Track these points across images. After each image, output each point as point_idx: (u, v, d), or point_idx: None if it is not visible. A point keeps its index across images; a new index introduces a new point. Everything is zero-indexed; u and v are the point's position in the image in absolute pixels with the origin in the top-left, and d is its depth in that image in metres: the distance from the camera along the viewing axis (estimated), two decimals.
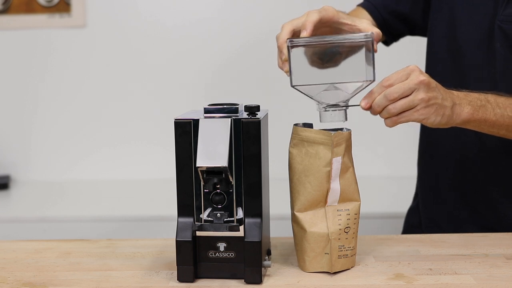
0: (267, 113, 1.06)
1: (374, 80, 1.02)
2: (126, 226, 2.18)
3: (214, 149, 0.95)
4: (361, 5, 1.46)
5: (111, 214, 2.22)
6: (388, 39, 1.49)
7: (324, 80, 1.02)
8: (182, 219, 1.00)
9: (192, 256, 0.99)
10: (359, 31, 1.09)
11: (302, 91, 1.04)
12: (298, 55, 1.03)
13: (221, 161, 0.95)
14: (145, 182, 2.61)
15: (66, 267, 1.10)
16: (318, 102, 1.04)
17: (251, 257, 0.98)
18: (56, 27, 2.61)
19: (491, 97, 1.15)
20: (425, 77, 1.03)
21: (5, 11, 2.60)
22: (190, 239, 0.99)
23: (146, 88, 2.65)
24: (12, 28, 2.61)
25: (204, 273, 1.01)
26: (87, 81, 2.66)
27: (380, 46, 1.52)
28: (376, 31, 1.08)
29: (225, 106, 1.00)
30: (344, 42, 1.02)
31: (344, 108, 1.04)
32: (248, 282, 0.99)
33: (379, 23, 1.44)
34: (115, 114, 2.67)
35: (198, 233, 1.00)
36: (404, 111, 1.04)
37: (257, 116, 0.98)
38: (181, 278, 1.00)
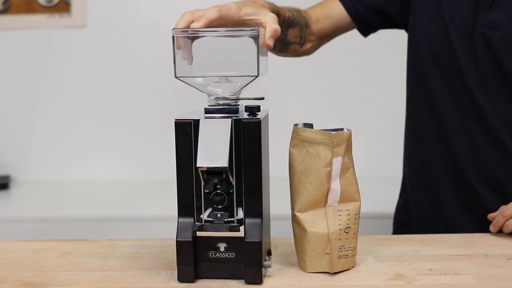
0: (268, 113, 1.06)
1: (257, 76, 1.00)
2: (126, 226, 2.18)
3: (214, 150, 0.95)
4: None
5: (111, 214, 2.22)
6: (365, 31, 1.48)
7: (209, 72, 1.01)
8: (182, 219, 1.00)
9: (193, 257, 0.99)
10: (260, 24, 1.07)
11: (188, 83, 1.02)
12: (183, 45, 1.01)
13: (222, 161, 0.94)
14: (145, 182, 2.61)
15: (66, 267, 1.10)
16: (208, 94, 1.02)
17: (251, 258, 0.98)
18: (56, 27, 2.61)
19: None
20: None
21: (5, 11, 2.60)
22: (191, 239, 0.99)
23: (146, 88, 2.65)
24: (12, 28, 2.61)
25: (204, 274, 1.00)
26: (87, 81, 2.66)
27: (359, 37, 1.52)
28: (274, 28, 1.05)
29: (225, 106, 1.00)
30: (228, 36, 1.01)
31: (234, 101, 1.02)
32: (248, 282, 0.99)
33: (353, 18, 1.43)
34: (115, 114, 2.67)
35: (199, 233, 1.00)
36: None
37: (258, 117, 0.98)
38: (182, 279, 1.00)
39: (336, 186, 1.02)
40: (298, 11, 1.38)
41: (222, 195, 0.99)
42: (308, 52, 1.46)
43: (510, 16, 1.23)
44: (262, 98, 1.02)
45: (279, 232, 1.25)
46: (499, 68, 1.26)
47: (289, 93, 2.58)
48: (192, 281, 1.00)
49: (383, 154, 2.58)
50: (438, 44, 1.33)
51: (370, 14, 1.43)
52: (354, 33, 1.53)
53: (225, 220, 0.99)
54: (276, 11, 1.25)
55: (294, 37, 1.37)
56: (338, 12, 1.44)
